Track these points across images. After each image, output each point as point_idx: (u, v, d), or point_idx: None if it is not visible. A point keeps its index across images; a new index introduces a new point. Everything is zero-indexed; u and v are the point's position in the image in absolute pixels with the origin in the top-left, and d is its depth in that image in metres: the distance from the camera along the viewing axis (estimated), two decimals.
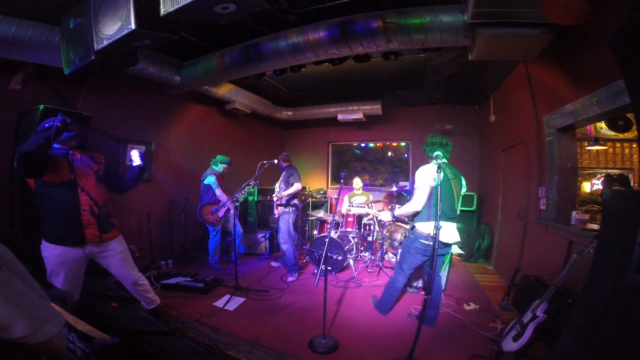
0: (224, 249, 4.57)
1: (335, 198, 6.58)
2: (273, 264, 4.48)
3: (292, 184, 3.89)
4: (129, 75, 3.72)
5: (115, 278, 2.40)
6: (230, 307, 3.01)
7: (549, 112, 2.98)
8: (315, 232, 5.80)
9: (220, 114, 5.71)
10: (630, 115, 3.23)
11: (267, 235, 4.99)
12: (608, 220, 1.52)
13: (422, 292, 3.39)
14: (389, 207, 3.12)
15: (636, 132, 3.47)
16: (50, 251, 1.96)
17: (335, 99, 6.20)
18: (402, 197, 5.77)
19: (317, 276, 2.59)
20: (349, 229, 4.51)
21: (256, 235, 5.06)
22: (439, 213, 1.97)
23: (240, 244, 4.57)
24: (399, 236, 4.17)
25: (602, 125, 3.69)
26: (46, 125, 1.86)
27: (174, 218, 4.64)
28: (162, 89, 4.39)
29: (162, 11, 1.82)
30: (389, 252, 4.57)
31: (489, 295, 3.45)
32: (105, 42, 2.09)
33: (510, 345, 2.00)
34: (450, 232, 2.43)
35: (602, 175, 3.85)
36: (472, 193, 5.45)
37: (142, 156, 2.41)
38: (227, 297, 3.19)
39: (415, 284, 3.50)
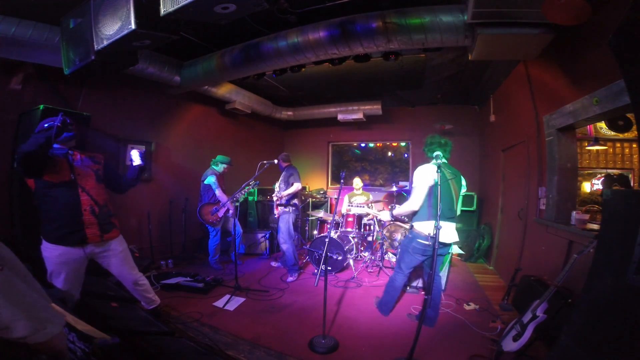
0: (224, 249, 4.57)
1: (335, 198, 6.58)
2: (273, 264, 4.48)
3: (292, 184, 3.89)
4: (129, 75, 3.72)
5: (115, 278, 2.40)
6: (230, 307, 3.01)
7: (549, 112, 2.98)
8: (315, 232, 5.80)
9: (220, 114, 5.71)
10: (630, 115, 3.24)
11: (267, 235, 4.99)
12: (608, 220, 1.52)
13: (422, 292, 3.39)
14: (389, 207, 3.12)
15: (636, 132, 3.47)
16: (51, 251, 1.96)
17: (335, 99, 6.20)
18: (402, 197, 5.77)
19: (317, 276, 2.59)
20: (349, 229, 4.51)
21: (256, 235, 5.06)
22: (438, 213, 1.97)
23: (240, 244, 4.57)
24: (398, 236, 4.18)
25: (602, 125, 3.70)
26: (45, 125, 1.85)
27: (174, 218, 4.64)
28: (162, 89, 4.39)
29: (162, 11, 1.82)
30: (389, 252, 4.57)
31: (489, 295, 3.45)
32: (105, 42, 2.09)
33: (510, 345, 2.00)
34: (448, 232, 2.43)
35: (602, 175, 3.85)
36: (472, 193, 5.46)
37: (142, 156, 2.41)
38: (227, 297, 3.19)
39: (415, 284, 3.51)
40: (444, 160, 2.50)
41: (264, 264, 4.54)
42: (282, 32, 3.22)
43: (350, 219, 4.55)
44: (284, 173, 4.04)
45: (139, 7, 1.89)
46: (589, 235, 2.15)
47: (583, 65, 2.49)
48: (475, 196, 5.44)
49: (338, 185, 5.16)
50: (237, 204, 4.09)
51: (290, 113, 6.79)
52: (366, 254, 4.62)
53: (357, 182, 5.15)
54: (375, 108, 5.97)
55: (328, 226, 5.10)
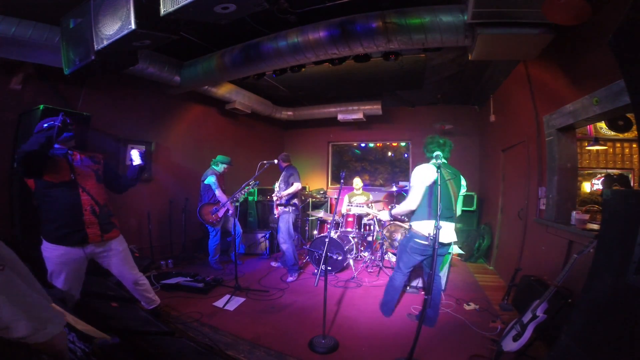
0: (224, 249, 4.57)
1: (335, 198, 6.58)
2: (273, 264, 4.48)
3: (292, 184, 3.89)
4: (129, 75, 3.72)
5: (115, 278, 2.40)
6: (230, 307, 3.01)
7: (549, 112, 2.98)
8: (315, 232, 5.80)
9: (220, 114, 5.70)
10: (630, 115, 3.24)
11: (267, 235, 4.99)
12: (608, 220, 1.52)
13: (422, 292, 3.39)
14: (389, 207, 3.12)
15: (636, 132, 3.47)
16: (51, 251, 1.96)
17: (335, 99, 6.20)
18: (402, 197, 5.75)
19: (317, 276, 2.59)
20: (349, 229, 4.51)
21: (256, 235, 5.06)
22: (439, 213, 1.97)
23: (240, 244, 4.57)
24: (398, 236, 4.18)
25: (602, 125, 3.70)
26: (44, 125, 1.85)
27: (174, 218, 4.64)
28: (162, 89, 4.39)
29: (162, 11, 1.82)
30: (389, 252, 4.57)
31: (489, 295, 3.45)
32: (105, 42, 2.09)
33: (510, 345, 2.00)
34: (446, 232, 2.43)
35: (602, 175, 3.85)
36: (472, 193, 5.46)
37: (142, 156, 2.41)
38: (227, 297, 3.19)
39: (415, 284, 3.51)
40: (443, 160, 2.51)
41: (264, 264, 4.54)
42: (282, 32, 3.22)
43: (350, 219, 4.55)
44: (283, 173, 4.04)
45: (139, 7, 1.89)
46: (589, 235, 2.15)
47: (583, 65, 2.49)
48: (475, 196, 5.44)
49: (338, 185, 5.16)
50: (237, 204, 4.09)
51: (290, 113, 6.79)
52: (366, 254, 4.62)
53: (357, 182, 5.15)
54: (375, 108, 5.97)
55: (328, 226, 5.10)
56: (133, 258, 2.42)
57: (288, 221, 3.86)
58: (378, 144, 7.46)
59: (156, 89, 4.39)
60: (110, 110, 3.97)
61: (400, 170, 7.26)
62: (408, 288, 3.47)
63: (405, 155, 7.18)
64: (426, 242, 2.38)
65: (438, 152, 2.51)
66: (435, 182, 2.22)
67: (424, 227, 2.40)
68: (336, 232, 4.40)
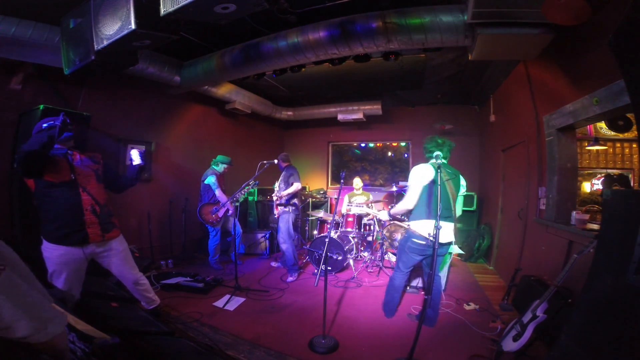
0: (224, 249, 4.57)
1: (335, 198, 6.58)
2: (273, 264, 4.48)
3: (292, 184, 3.89)
4: (129, 75, 3.72)
5: (115, 278, 2.40)
6: (230, 307, 3.01)
7: (549, 112, 2.98)
8: (315, 232, 5.80)
9: (220, 114, 5.70)
10: (630, 115, 3.24)
11: (267, 235, 4.99)
12: (608, 220, 1.52)
13: (422, 292, 3.40)
14: (389, 207, 3.13)
15: (636, 132, 3.47)
16: (52, 251, 1.96)
17: (335, 99, 6.20)
18: (402, 197, 5.75)
19: (317, 276, 2.60)
20: (349, 229, 4.51)
21: (256, 235, 5.06)
22: (439, 213, 1.97)
23: (240, 244, 4.57)
24: (398, 236, 4.17)
25: (602, 125, 3.70)
26: (44, 125, 1.85)
27: (174, 218, 4.64)
28: (162, 89, 4.39)
29: (162, 11, 1.82)
30: (388, 252, 4.57)
31: (489, 295, 3.45)
32: (105, 42, 2.09)
33: (510, 345, 2.00)
34: (445, 232, 2.43)
35: (602, 175, 3.85)
36: (472, 193, 5.46)
37: (142, 155, 2.41)
38: (227, 297, 3.19)
39: (415, 284, 3.51)
40: (443, 160, 2.51)
41: (264, 264, 4.54)
42: (282, 32, 3.22)
43: (350, 219, 4.55)
44: (283, 173, 4.04)
45: (139, 7, 1.89)
46: (589, 235, 2.15)
47: (583, 65, 2.50)
48: (475, 196, 5.44)
49: (338, 185, 5.16)
50: (237, 204, 4.09)
51: (290, 113, 6.79)
52: (366, 254, 4.62)
53: (357, 182, 5.16)
54: (375, 108, 5.97)
55: (328, 226, 5.10)
56: (133, 258, 2.43)
57: (288, 221, 3.86)
58: (378, 144, 7.46)
59: (156, 89, 4.38)
60: (110, 110, 3.97)
61: (400, 170, 7.26)
62: (408, 288, 3.48)
63: (405, 155, 7.18)
64: (424, 242, 2.38)
65: (438, 152, 2.51)
66: (434, 182, 2.23)
67: (421, 226, 2.40)
68: (336, 232, 4.40)
